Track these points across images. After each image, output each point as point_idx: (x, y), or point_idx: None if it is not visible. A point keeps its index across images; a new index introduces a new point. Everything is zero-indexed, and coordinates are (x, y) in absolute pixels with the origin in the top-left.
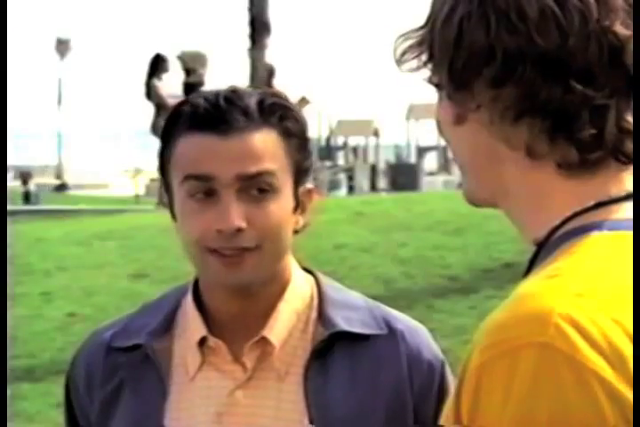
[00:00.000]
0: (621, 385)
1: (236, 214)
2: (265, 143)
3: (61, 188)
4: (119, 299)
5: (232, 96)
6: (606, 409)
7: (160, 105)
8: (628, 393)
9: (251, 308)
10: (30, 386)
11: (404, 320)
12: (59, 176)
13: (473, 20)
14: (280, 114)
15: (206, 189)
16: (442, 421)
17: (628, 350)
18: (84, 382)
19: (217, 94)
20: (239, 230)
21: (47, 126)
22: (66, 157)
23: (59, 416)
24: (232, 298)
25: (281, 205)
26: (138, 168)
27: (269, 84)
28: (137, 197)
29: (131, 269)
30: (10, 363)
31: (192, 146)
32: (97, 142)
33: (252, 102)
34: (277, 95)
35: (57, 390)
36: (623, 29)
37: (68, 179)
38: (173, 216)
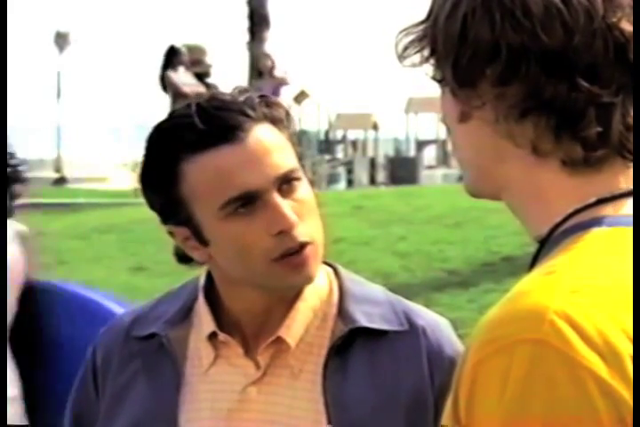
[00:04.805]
0: (616, 383)
1: (290, 211)
2: (271, 135)
3: (60, 181)
4: (118, 292)
5: (217, 103)
6: (600, 407)
7: (176, 94)
8: (623, 391)
9: (274, 309)
10: None
11: (425, 315)
12: (58, 170)
13: (477, 17)
14: (264, 104)
15: (245, 202)
16: (443, 420)
17: (623, 347)
18: (100, 366)
19: (200, 107)
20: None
21: (46, 120)
22: (65, 151)
23: None
24: (262, 301)
25: (307, 189)
26: (137, 161)
27: (271, 74)
28: (136, 190)
29: (130, 262)
30: None
31: (214, 166)
32: (96, 136)
33: (238, 101)
34: (245, 89)
35: None
36: (629, 26)
37: (67, 172)
38: (204, 243)
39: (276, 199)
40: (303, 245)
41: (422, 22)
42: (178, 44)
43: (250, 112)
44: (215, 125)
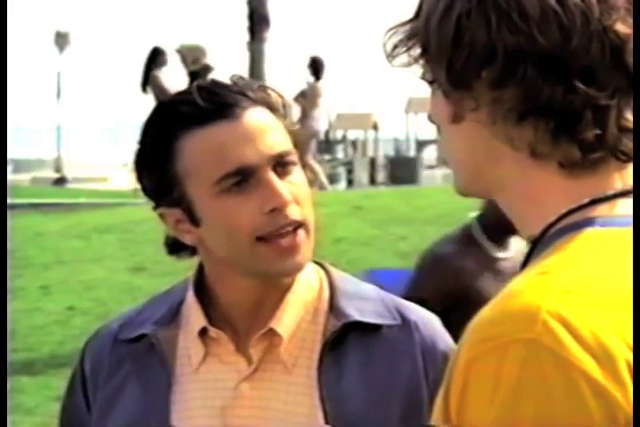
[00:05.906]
0: (608, 383)
1: (285, 189)
2: (268, 117)
3: (60, 181)
4: (118, 292)
5: (217, 84)
6: (592, 407)
7: (162, 96)
8: (615, 391)
9: (266, 299)
10: (29, 379)
11: (416, 311)
12: (58, 170)
13: (472, 19)
14: (262, 90)
15: (239, 179)
16: (432, 419)
17: (616, 347)
18: (89, 374)
19: (202, 86)
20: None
21: (46, 120)
22: (65, 151)
23: (58, 409)
24: (254, 290)
25: (302, 177)
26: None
27: (318, 75)
28: (136, 190)
29: (130, 262)
30: (9, 356)
31: (211, 141)
32: (96, 136)
33: (237, 84)
34: (242, 77)
35: (56, 383)
36: (625, 28)
37: (67, 172)
38: (196, 223)
39: (270, 177)
40: (295, 227)
41: (410, 21)
42: (161, 46)
43: (248, 93)
44: (214, 102)
